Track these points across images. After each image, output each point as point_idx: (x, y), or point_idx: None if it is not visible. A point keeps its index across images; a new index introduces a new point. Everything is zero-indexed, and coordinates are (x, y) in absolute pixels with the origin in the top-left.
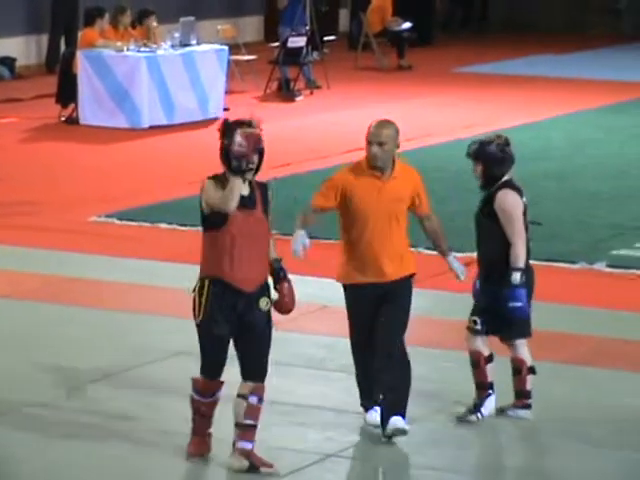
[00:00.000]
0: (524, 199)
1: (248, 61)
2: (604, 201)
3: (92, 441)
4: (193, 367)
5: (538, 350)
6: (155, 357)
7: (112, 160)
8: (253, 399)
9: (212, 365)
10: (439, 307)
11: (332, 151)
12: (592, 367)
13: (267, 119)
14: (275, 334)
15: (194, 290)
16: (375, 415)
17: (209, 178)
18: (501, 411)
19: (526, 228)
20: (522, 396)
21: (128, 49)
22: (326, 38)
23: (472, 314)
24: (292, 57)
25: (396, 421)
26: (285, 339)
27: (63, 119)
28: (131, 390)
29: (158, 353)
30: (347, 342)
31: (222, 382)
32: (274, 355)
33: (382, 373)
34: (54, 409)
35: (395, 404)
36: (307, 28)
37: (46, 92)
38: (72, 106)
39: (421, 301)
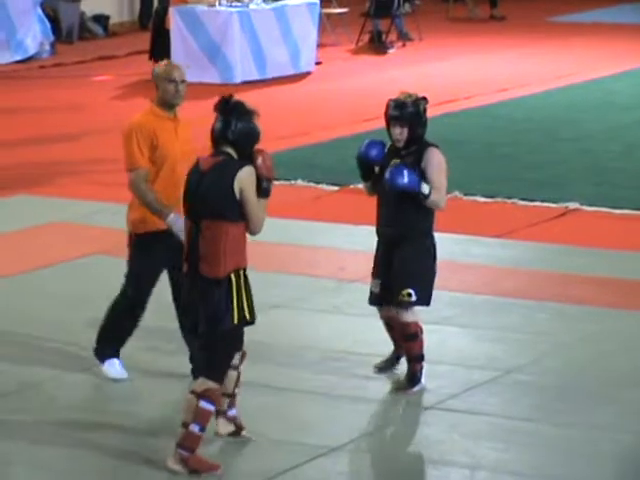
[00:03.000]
0: None
1: (340, 14)
2: None
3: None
4: (290, 320)
5: (635, 301)
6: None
7: (205, 116)
8: (242, 367)
9: (229, 365)
10: (532, 258)
11: None
12: None
13: (359, 72)
14: (360, 286)
15: (234, 288)
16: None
17: (249, 165)
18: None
19: None
20: (421, 359)
21: (220, 4)
22: None
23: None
24: (384, 9)
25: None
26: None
27: None
28: None
29: (257, 306)
30: (441, 294)
31: None
32: (365, 309)
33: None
34: (155, 356)
35: None
36: None
37: (139, 49)
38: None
39: (514, 252)
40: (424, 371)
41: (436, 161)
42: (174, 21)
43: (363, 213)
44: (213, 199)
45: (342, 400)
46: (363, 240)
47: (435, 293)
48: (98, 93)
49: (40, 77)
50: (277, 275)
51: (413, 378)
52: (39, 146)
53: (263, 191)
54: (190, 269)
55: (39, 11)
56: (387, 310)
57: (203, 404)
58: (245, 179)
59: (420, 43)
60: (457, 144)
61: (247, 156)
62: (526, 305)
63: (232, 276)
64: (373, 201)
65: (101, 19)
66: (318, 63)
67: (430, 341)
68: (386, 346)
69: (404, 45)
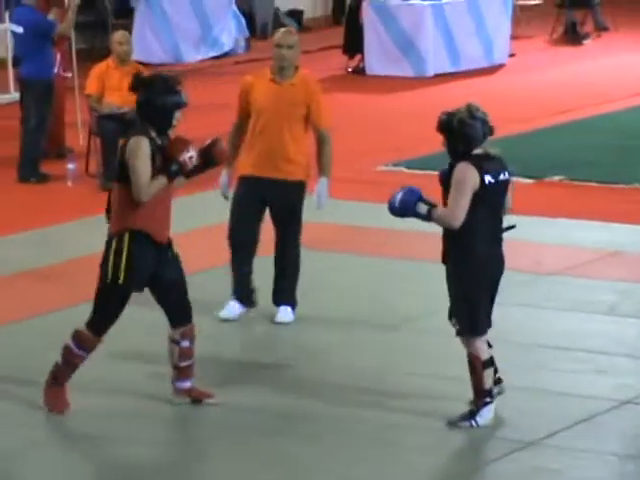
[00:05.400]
0: (489, 177)
1: (533, 5)
2: None
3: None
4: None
5: None
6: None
7: (398, 109)
8: (185, 343)
9: (110, 324)
10: None
11: (618, 95)
12: None
13: (554, 64)
14: (565, 280)
15: (113, 248)
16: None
17: (141, 135)
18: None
19: (495, 209)
20: (481, 395)
21: None
22: None
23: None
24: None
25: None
26: (575, 285)
27: (350, 70)
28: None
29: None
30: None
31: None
32: (563, 302)
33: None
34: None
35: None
36: None
37: (333, 43)
38: (359, 56)
39: None
40: (487, 410)
41: (455, 177)
42: (367, 15)
43: (558, 206)
44: (116, 162)
45: (545, 394)
46: (559, 233)
47: (629, 286)
48: None
49: (235, 73)
50: None
51: (469, 413)
52: None
53: (169, 172)
54: None
55: (234, 7)
56: None
57: (69, 342)
58: (130, 148)
59: (616, 34)
60: None
61: (164, 131)
62: None
63: (115, 237)
64: (568, 195)
65: (295, 14)
66: (512, 55)
67: (624, 335)
68: (585, 339)
69: (599, 36)
